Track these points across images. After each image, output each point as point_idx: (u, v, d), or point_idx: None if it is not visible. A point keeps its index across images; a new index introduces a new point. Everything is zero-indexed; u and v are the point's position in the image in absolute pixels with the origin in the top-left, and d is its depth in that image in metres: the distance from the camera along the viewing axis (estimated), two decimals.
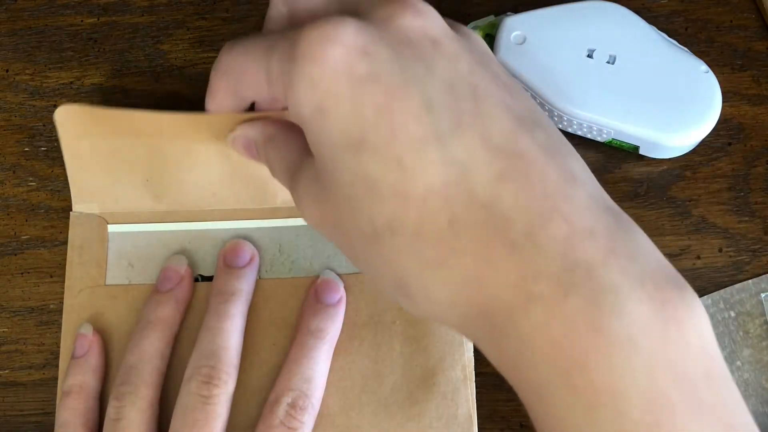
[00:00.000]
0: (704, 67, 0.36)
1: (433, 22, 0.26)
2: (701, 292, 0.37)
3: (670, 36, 0.38)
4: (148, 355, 0.34)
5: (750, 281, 0.37)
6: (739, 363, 0.36)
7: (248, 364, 0.35)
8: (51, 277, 0.38)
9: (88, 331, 0.36)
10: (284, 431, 0.33)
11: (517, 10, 0.38)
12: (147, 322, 0.35)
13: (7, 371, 0.38)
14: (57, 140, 0.40)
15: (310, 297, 0.36)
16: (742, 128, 0.39)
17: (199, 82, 0.40)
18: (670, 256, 0.37)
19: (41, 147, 0.40)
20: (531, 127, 0.25)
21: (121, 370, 0.34)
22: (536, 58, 0.36)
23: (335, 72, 0.25)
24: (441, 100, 0.25)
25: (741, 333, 0.36)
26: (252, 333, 0.36)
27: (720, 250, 0.37)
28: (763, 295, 0.36)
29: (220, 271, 0.36)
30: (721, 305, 0.36)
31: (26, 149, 0.40)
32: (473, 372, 0.35)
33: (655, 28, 0.37)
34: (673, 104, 0.36)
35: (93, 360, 0.35)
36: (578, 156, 0.27)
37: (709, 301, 0.36)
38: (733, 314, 0.36)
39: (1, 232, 0.39)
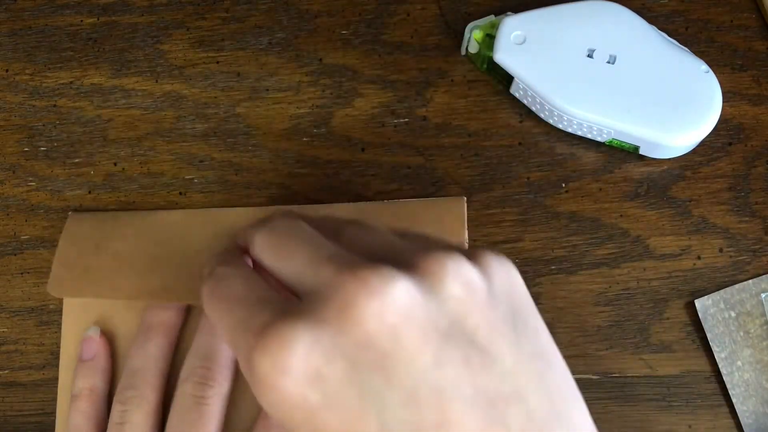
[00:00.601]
0: (704, 67, 0.36)
1: (391, 300, 0.23)
2: (701, 292, 0.37)
3: (670, 36, 0.38)
4: (153, 359, 0.34)
5: (750, 281, 0.37)
6: (739, 363, 0.36)
7: None
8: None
9: (95, 334, 0.36)
10: None
11: (517, 10, 0.38)
12: (149, 325, 0.35)
13: (7, 371, 0.38)
14: (57, 140, 0.40)
15: None
16: (742, 128, 0.39)
17: (198, 82, 0.40)
18: (671, 257, 0.37)
19: (41, 147, 0.40)
20: (504, 410, 0.23)
21: (126, 373, 0.34)
22: (536, 58, 0.36)
23: (290, 402, 0.24)
24: (400, 419, 0.23)
25: (741, 333, 0.36)
26: None
27: (720, 250, 0.37)
28: (763, 295, 0.36)
29: None
30: (722, 305, 0.36)
31: (26, 149, 0.40)
32: None
33: (655, 28, 0.37)
34: (673, 104, 0.36)
35: (101, 363, 0.35)
36: (567, 411, 0.25)
37: (710, 301, 0.36)
38: (733, 314, 0.36)
39: (1, 232, 0.39)
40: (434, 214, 0.37)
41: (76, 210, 0.39)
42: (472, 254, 0.25)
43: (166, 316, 0.35)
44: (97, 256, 0.36)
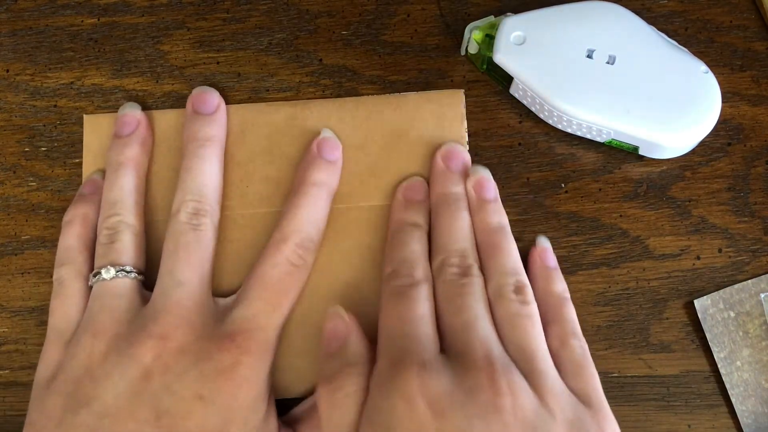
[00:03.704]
0: (704, 67, 0.36)
1: (522, 400, 0.30)
2: (701, 292, 0.37)
3: (669, 36, 0.38)
4: (127, 191, 0.36)
5: (749, 281, 0.37)
6: (738, 363, 0.36)
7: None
8: (51, 277, 0.38)
9: (98, 176, 0.38)
10: (288, 267, 0.34)
11: (516, 10, 0.38)
12: (118, 162, 0.37)
13: (7, 371, 0.38)
14: (57, 140, 0.40)
15: (312, 151, 0.37)
16: (742, 128, 0.39)
17: (199, 82, 0.40)
18: (670, 257, 0.37)
19: (41, 147, 0.40)
20: None
21: (104, 206, 0.36)
22: (536, 58, 0.36)
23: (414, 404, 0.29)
24: None
25: (740, 333, 0.36)
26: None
27: (720, 251, 0.37)
28: (762, 295, 0.36)
29: (191, 117, 0.37)
30: (721, 305, 0.36)
31: (26, 149, 0.40)
32: None
33: (655, 29, 0.37)
34: (673, 104, 0.36)
35: (97, 197, 0.37)
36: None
37: (709, 301, 0.37)
38: (732, 314, 0.36)
39: (1, 232, 0.39)
40: (433, 107, 0.38)
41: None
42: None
43: (132, 152, 0.37)
44: None
